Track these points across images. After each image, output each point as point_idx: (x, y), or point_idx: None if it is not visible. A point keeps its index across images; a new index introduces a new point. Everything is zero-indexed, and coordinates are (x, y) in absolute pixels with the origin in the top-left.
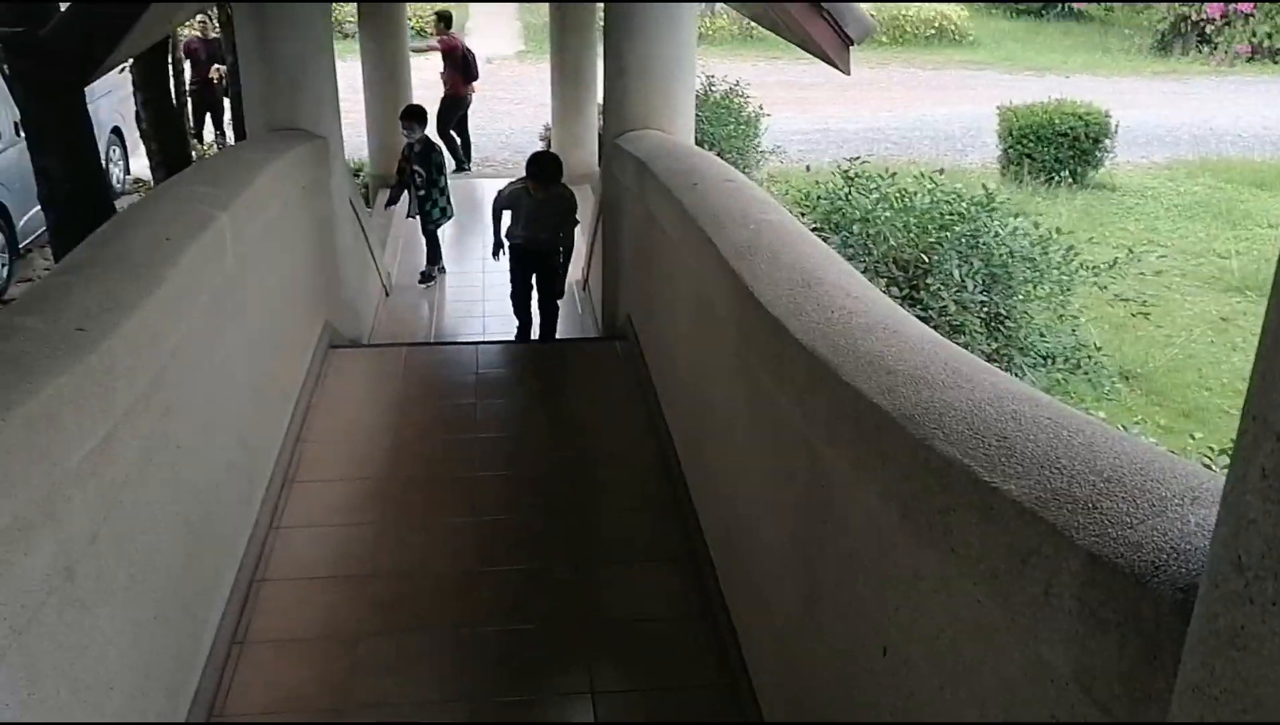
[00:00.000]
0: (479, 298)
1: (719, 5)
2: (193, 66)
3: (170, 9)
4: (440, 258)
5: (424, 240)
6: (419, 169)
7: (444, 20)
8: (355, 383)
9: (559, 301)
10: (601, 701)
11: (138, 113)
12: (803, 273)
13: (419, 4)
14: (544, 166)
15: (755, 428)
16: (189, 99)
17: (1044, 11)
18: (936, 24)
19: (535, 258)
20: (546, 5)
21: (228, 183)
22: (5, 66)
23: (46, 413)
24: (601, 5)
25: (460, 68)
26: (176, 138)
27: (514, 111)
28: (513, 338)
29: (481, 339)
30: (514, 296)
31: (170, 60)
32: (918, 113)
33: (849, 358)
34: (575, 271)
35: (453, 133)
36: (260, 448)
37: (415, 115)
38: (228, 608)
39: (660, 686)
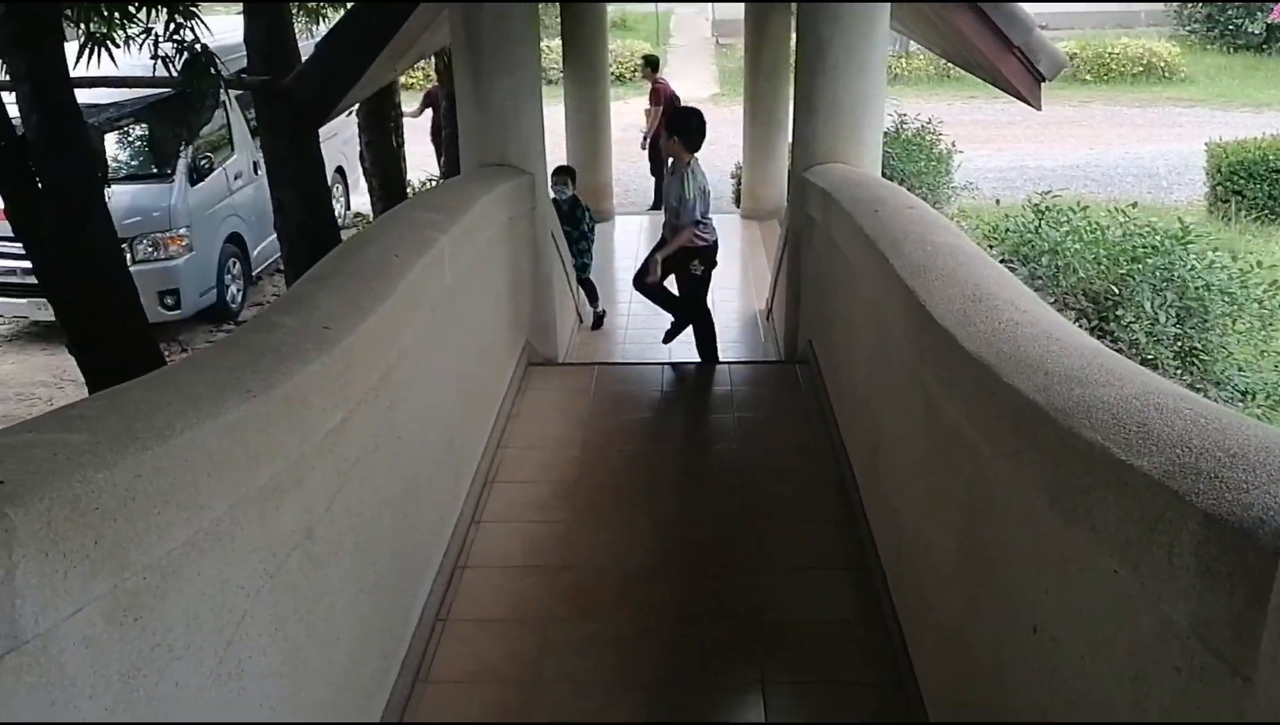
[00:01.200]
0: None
1: (914, 46)
2: (434, 112)
3: (394, 59)
4: (598, 298)
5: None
6: (567, 228)
7: (651, 65)
8: (550, 397)
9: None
10: (770, 693)
11: (361, 152)
12: (974, 289)
13: (620, 50)
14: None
15: (925, 438)
16: (432, 141)
17: (1265, 46)
18: (1144, 61)
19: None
20: (742, 50)
21: (448, 210)
22: (253, 110)
23: (299, 394)
24: (793, 45)
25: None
26: (395, 175)
27: (705, 151)
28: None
29: (667, 360)
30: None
31: (393, 105)
32: (1120, 151)
33: (1011, 362)
34: (759, 302)
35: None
36: (466, 449)
37: (566, 173)
38: (434, 587)
39: (827, 681)
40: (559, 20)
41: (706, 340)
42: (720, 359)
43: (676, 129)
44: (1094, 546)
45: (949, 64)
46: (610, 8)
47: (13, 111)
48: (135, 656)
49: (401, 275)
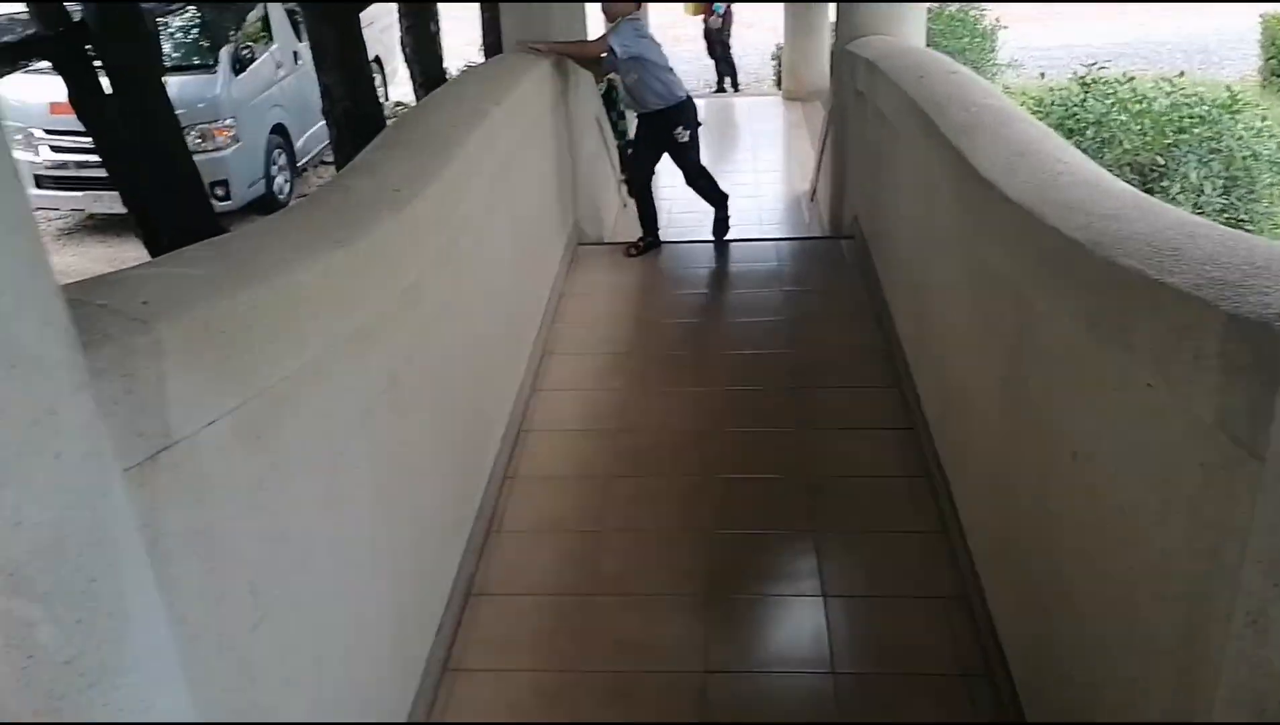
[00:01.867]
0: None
1: None
2: None
3: None
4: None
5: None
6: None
7: None
8: (600, 274)
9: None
10: (821, 537)
11: (402, 39)
12: (1019, 145)
13: None
14: None
15: (969, 292)
16: None
17: None
18: None
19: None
20: None
21: (499, 84)
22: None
23: (378, 249)
24: None
25: None
26: (434, 63)
27: (743, 35)
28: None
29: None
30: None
31: None
32: (1172, 26)
33: (1053, 206)
34: (803, 183)
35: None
36: (524, 321)
37: None
38: (501, 447)
39: (874, 529)
40: None
41: (714, 193)
42: (728, 213)
43: None
44: (1130, 365)
45: None
46: None
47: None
48: (258, 471)
49: (460, 143)
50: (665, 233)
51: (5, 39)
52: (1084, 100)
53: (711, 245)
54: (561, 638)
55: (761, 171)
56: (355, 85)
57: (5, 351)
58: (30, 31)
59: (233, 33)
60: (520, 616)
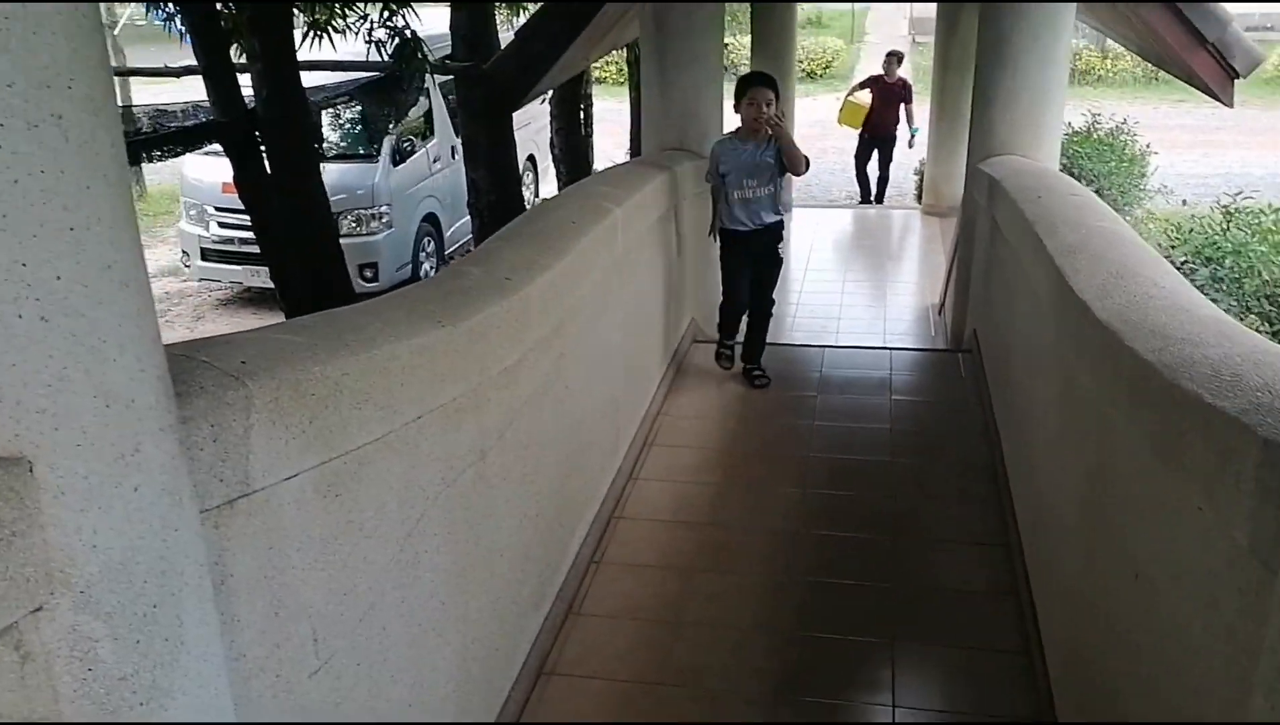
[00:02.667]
0: (836, 305)
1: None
2: None
3: (586, 48)
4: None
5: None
6: None
7: (898, 57)
8: (711, 371)
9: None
10: (899, 649)
11: (552, 140)
12: (1120, 267)
13: (813, 46)
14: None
15: (1061, 410)
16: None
17: None
18: None
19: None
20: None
21: (624, 186)
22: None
23: (481, 330)
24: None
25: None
26: (583, 162)
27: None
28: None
29: (830, 343)
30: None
31: (583, 96)
32: None
33: (1135, 328)
34: (933, 296)
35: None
36: (627, 410)
37: None
38: (590, 530)
39: (956, 645)
40: (750, 17)
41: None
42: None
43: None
44: (1184, 486)
45: (1158, 67)
46: (804, 5)
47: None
48: (333, 526)
49: (577, 240)
50: (784, 335)
51: (187, 124)
52: (1226, 229)
53: (824, 348)
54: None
55: (893, 282)
56: (501, 181)
57: (101, 390)
58: (208, 118)
59: (393, 126)
60: (590, 698)
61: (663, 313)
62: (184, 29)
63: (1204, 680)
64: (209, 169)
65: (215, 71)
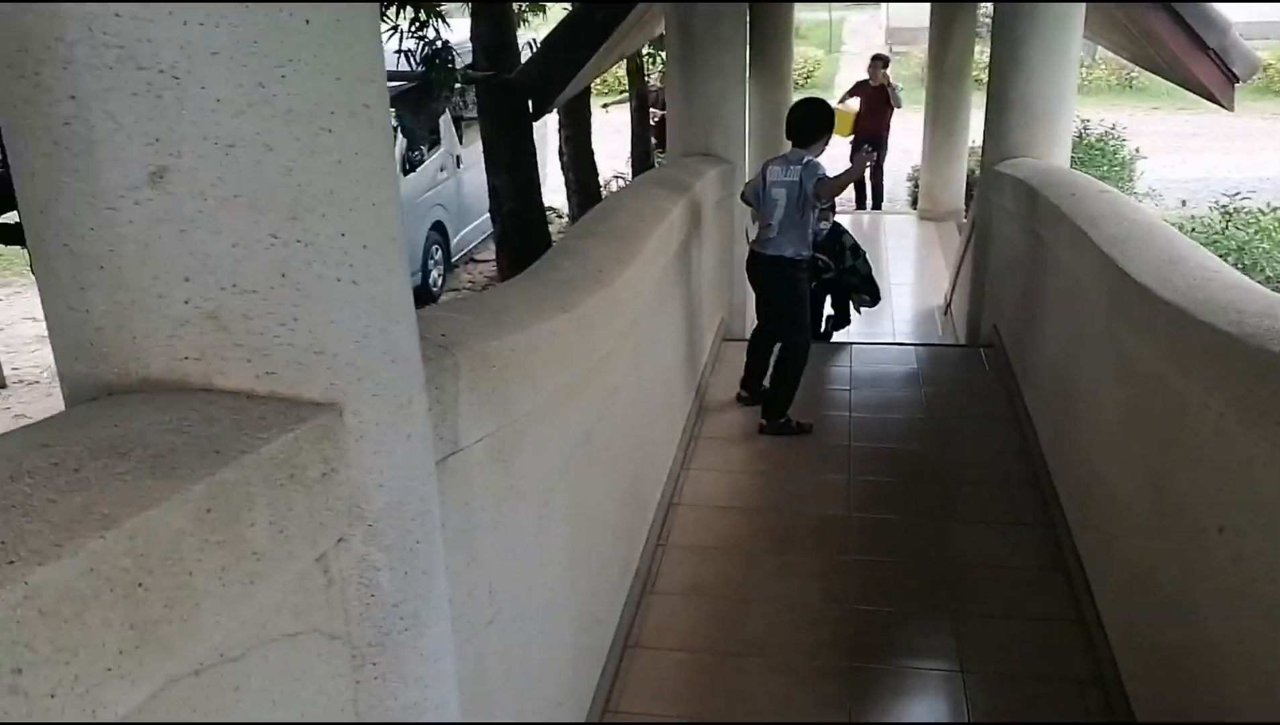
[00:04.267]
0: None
1: (1099, 54)
2: (658, 108)
3: (608, 55)
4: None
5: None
6: (824, 259)
7: (884, 61)
8: (742, 367)
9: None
10: (959, 620)
11: (560, 148)
12: (1170, 254)
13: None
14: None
15: (1117, 387)
16: (653, 135)
17: None
18: None
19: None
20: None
21: (675, 189)
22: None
23: (587, 318)
24: (977, 51)
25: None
26: (590, 170)
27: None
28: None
29: (858, 340)
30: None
31: (588, 104)
32: None
33: (1206, 306)
34: (935, 297)
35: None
36: (677, 400)
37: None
38: (655, 516)
39: (1011, 615)
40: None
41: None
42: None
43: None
44: (1274, 441)
45: (1131, 74)
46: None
47: None
48: (501, 489)
49: (646, 238)
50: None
51: None
52: (1225, 229)
53: (852, 346)
54: (712, 694)
55: (896, 285)
56: (523, 189)
57: (390, 347)
58: None
59: (428, 133)
60: (672, 669)
61: (704, 310)
62: None
63: None
64: None
65: None
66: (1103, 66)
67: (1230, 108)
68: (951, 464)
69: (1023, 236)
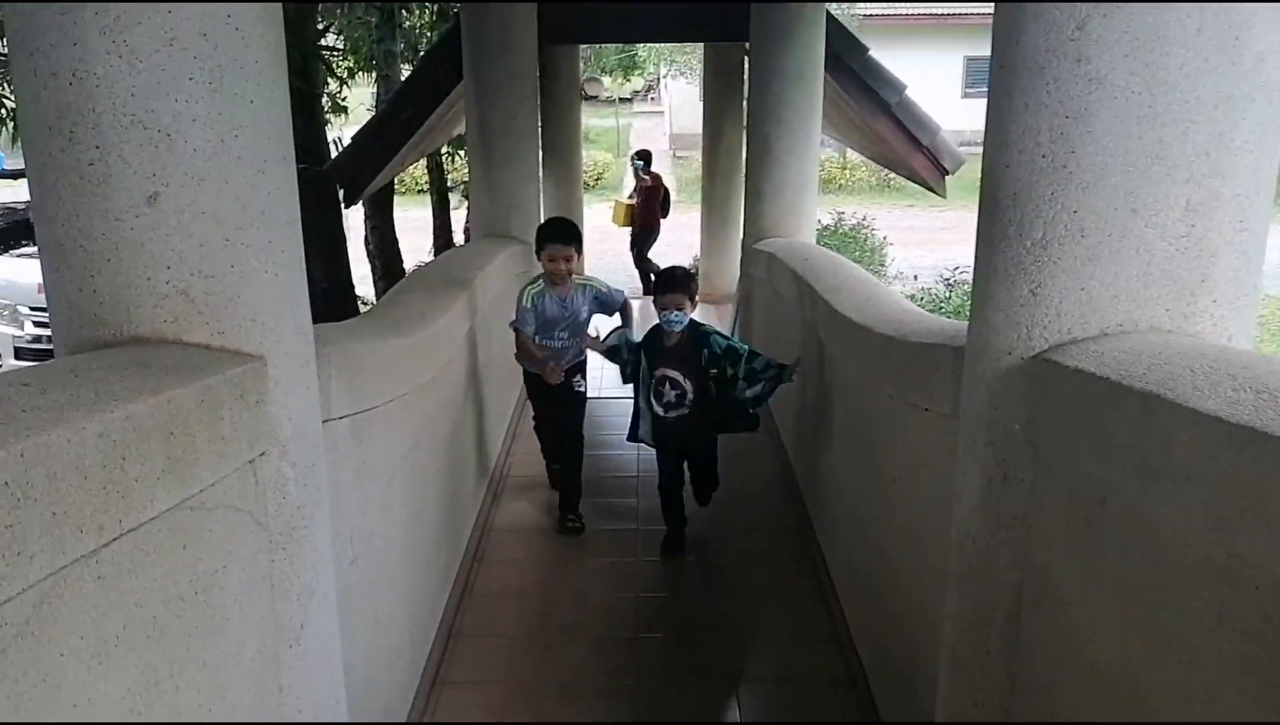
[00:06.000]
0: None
1: (855, 156)
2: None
3: (415, 148)
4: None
5: None
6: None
7: (645, 159)
8: None
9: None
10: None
11: (366, 237)
12: (867, 295)
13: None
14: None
15: (823, 394)
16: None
17: None
18: None
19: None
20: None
21: (481, 258)
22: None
23: (417, 345)
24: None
25: (660, 202)
26: (394, 257)
27: (665, 252)
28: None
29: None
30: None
31: (392, 196)
32: None
33: (881, 324)
34: None
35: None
36: (485, 461)
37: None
38: (470, 537)
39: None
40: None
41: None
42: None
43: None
44: (920, 409)
45: (889, 176)
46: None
47: None
48: (358, 460)
49: (453, 297)
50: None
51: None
52: (949, 296)
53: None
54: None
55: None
56: (334, 271)
57: (295, 323)
58: (17, 217)
59: None
60: (493, 653)
61: (506, 376)
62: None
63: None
64: (21, 269)
65: None
66: (863, 168)
67: (943, 195)
68: (730, 498)
69: (771, 298)
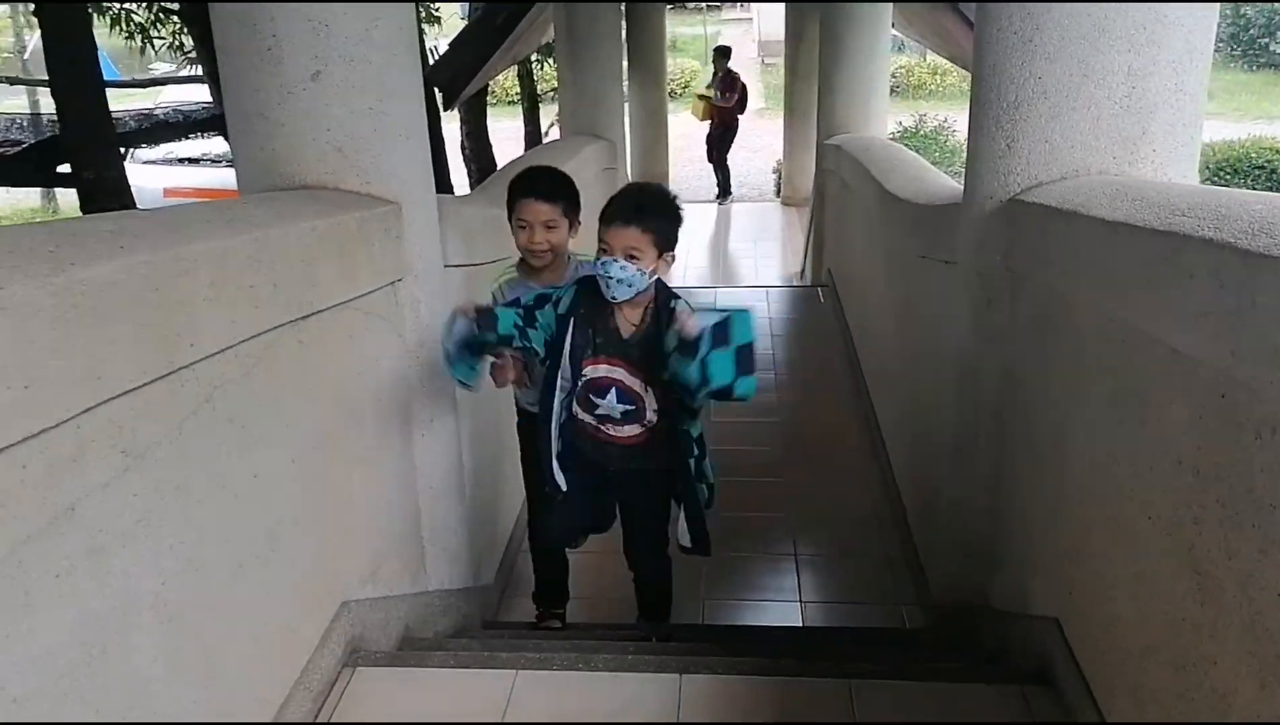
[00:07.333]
0: (717, 274)
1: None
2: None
3: (508, 52)
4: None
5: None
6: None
7: (725, 54)
8: None
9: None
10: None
11: (462, 142)
12: (915, 173)
13: (672, 68)
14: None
15: (888, 270)
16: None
17: None
18: None
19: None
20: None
21: (566, 153)
22: None
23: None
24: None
25: (738, 100)
26: (488, 158)
27: (752, 157)
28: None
29: (720, 285)
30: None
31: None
32: None
33: (925, 196)
34: (795, 267)
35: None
36: None
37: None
38: None
39: (835, 447)
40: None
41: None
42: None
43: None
44: (941, 265)
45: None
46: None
47: None
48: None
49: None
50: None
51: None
52: None
53: (716, 289)
54: None
55: (761, 258)
56: (436, 171)
57: (423, 181)
58: (154, 119)
59: None
60: None
61: None
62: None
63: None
64: (149, 176)
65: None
66: (953, 74)
67: None
68: (797, 365)
69: (841, 191)
